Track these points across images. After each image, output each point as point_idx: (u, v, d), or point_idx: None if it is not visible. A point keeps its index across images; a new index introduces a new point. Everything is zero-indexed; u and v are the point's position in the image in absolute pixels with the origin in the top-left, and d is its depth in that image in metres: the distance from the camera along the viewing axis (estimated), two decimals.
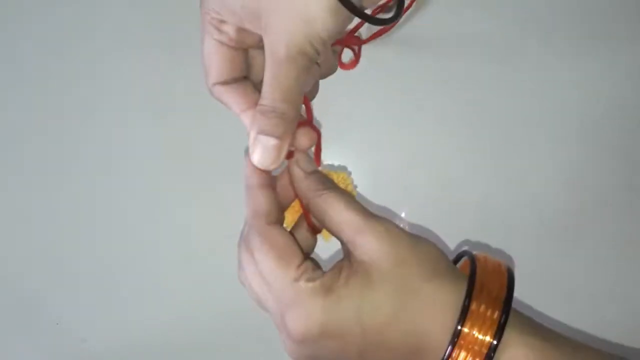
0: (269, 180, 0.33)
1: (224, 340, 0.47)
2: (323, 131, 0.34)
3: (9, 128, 0.47)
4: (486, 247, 0.47)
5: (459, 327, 0.27)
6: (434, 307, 0.28)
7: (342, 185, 0.33)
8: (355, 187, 0.35)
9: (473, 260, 0.30)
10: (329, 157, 0.46)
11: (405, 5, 0.35)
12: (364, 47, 0.37)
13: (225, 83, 0.32)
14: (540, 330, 0.30)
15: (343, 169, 0.46)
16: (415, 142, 0.47)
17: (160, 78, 0.46)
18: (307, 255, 0.33)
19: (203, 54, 0.32)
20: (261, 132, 0.29)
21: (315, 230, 0.34)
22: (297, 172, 0.32)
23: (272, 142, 0.29)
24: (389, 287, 0.28)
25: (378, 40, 0.43)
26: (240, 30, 0.31)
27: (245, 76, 0.33)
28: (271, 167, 0.30)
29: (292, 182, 0.33)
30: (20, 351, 0.48)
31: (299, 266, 0.29)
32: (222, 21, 0.30)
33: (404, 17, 0.41)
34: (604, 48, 0.46)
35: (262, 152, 0.30)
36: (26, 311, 0.48)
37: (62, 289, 0.47)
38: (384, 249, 0.29)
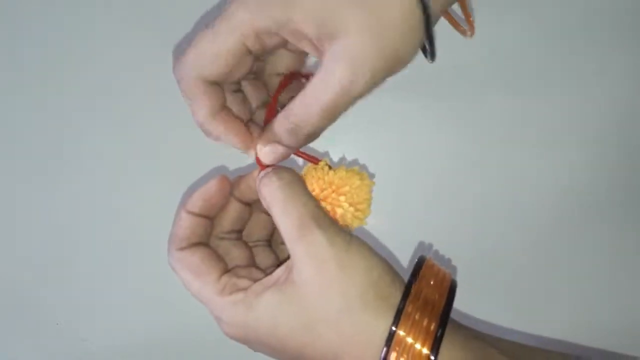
0: (205, 210, 0.32)
1: (224, 341, 0.47)
2: None
3: (8, 128, 0.47)
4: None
5: (394, 329, 0.26)
6: (357, 339, 0.27)
7: (353, 179, 0.31)
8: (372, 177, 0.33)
9: (418, 267, 0.29)
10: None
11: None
12: None
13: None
14: (482, 335, 0.30)
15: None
16: (412, 143, 0.47)
17: (160, 78, 0.46)
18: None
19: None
20: (281, 143, 0.29)
21: None
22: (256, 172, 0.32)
23: (286, 150, 0.30)
24: (304, 318, 0.27)
25: None
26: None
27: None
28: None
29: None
30: (20, 351, 0.48)
31: (218, 279, 0.30)
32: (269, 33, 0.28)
33: None
34: (603, 49, 0.46)
35: (274, 157, 0.30)
36: (26, 311, 0.47)
37: (62, 289, 0.47)
38: (310, 272, 0.27)
